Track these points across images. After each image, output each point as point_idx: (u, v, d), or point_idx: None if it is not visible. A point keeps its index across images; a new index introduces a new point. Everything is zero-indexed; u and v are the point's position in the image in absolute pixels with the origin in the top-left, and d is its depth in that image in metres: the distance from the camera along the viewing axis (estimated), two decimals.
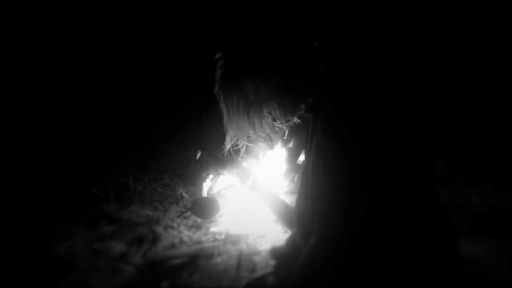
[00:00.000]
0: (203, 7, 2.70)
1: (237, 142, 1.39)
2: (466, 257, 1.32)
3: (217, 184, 2.12)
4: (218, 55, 1.28)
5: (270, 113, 1.30)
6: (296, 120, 1.34)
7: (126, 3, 2.84)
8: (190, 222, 1.77)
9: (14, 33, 2.76)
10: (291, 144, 2.25)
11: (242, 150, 1.45)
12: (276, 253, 1.42)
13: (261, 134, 1.35)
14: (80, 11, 2.83)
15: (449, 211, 1.37)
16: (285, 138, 1.46)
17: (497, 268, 1.36)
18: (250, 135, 1.36)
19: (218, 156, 2.08)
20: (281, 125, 1.34)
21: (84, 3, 2.81)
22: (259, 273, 1.32)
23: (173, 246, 1.54)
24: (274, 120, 1.33)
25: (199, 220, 1.79)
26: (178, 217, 1.81)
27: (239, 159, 2.16)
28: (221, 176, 2.13)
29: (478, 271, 1.33)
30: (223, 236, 1.62)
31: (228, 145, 1.41)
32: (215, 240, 1.60)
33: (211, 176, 2.10)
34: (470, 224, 1.68)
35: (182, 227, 1.72)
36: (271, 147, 2.11)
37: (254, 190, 1.86)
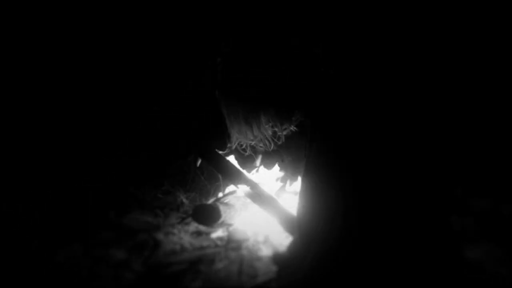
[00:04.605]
0: (206, 10, 2.71)
1: (241, 144, 1.40)
2: (468, 261, 1.32)
3: (218, 191, 2.13)
4: (218, 59, 1.29)
5: (268, 119, 1.31)
6: (293, 127, 1.35)
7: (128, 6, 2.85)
8: (191, 228, 1.77)
9: (14, 33, 2.77)
10: (291, 149, 2.25)
11: (246, 153, 1.47)
12: (278, 259, 1.42)
13: (260, 138, 1.36)
14: (78, 12, 2.83)
15: (450, 215, 1.36)
16: (282, 143, 1.47)
17: (498, 272, 1.35)
18: (251, 139, 1.37)
19: (218, 161, 2.08)
20: (279, 132, 1.36)
21: (82, 3, 2.81)
22: (261, 279, 1.31)
23: (174, 252, 1.54)
24: (272, 126, 1.34)
25: (200, 226, 1.78)
26: (179, 223, 1.81)
27: (240, 165, 2.17)
28: (222, 182, 2.14)
29: (480, 275, 1.32)
30: (224, 242, 1.61)
31: (233, 146, 1.42)
32: (216, 246, 1.59)
33: (211, 182, 2.11)
34: (472, 228, 1.68)
35: (183, 233, 1.71)
36: (270, 152, 2.11)
37: (255, 196, 1.85)
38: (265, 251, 1.52)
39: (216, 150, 2.14)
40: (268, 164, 2.25)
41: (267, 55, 1.24)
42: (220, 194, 2.09)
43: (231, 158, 2.08)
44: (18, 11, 2.76)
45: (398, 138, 1.14)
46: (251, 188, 1.89)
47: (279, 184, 2.16)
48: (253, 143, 1.40)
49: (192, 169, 2.43)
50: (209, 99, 1.38)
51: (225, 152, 1.94)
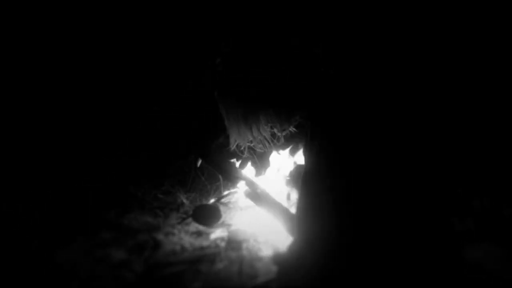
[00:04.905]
0: (206, 10, 2.71)
1: (240, 145, 1.40)
2: (468, 262, 1.32)
3: (218, 191, 2.12)
4: (218, 60, 1.29)
5: (267, 121, 1.31)
6: (292, 129, 1.35)
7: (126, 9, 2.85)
8: (191, 228, 1.77)
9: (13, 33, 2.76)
10: (292, 150, 2.25)
11: (244, 155, 1.47)
12: (278, 259, 1.41)
13: (260, 139, 1.36)
14: (78, 12, 2.83)
15: (451, 216, 1.36)
16: (281, 144, 1.48)
17: (499, 272, 1.35)
18: (250, 140, 1.37)
19: (218, 162, 2.08)
20: (278, 133, 1.36)
21: (82, 3, 2.81)
22: (261, 279, 1.31)
23: (174, 252, 1.53)
24: (271, 127, 1.34)
25: (200, 226, 1.78)
26: (179, 223, 1.80)
27: (240, 165, 2.17)
28: (222, 182, 2.14)
29: (480, 275, 1.32)
30: (224, 242, 1.61)
31: (232, 147, 1.42)
32: (217, 246, 1.59)
33: (211, 182, 2.11)
34: (472, 228, 1.68)
35: (183, 233, 1.71)
36: (270, 153, 2.12)
37: (255, 197, 1.85)
38: (265, 252, 1.52)
39: (216, 150, 2.14)
40: (268, 164, 2.25)
41: (267, 55, 1.24)
42: (220, 195, 2.09)
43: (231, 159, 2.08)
44: (18, 11, 2.76)
45: (399, 139, 1.13)
46: (251, 188, 1.89)
47: (280, 184, 2.15)
48: (252, 144, 1.40)
49: (192, 169, 2.43)
50: (209, 99, 1.38)
51: (225, 152, 1.93)
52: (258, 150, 1.44)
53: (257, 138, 1.35)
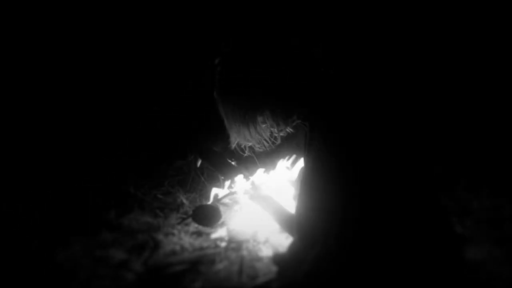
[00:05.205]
0: (206, 10, 2.71)
1: (241, 144, 1.40)
2: (468, 262, 1.32)
3: (219, 192, 2.12)
4: (217, 61, 1.29)
5: (264, 121, 1.32)
6: (289, 129, 1.35)
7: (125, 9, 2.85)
8: (191, 229, 1.77)
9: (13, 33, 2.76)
10: (292, 151, 2.25)
11: (244, 154, 1.47)
12: (278, 259, 1.41)
13: (258, 138, 1.36)
14: (79, 13, 2.83)
15: (451, 217, 1.36)
16: (280, 144, 1.48)
17: (499, 272, 1.35)
18: (249, 139, 1.37)
19: (218, 162, 2.08)
20: (275, 133, 1.36)
21: (82, 4, 2.81)
22: (261, 279, 1.31)
23: (174, 253, 1.53)
24: (270, 127, 1.35)
25: (200, 227, 1.78)
26: (179, 224, 1.80)
27: (240, 166, 2.17)
28: (222, 183, 2.14)
29: (480, 276, 1.32)
30: (224, 243, 1.61)
31: (232, 147, 1.42)
32: (217, 246, 1.59)
33: (211, 182, 2.11)
34: (472, 228, 1.68)
35: (182, 234, 1.71)
36: (269, 153, 2.11)
37: (255, 197, 1.85)
38: (265, 252, 1.52)
39: (216, 150, 2.14)
40: (268, 164, 2.24)
41: (267, 55, 1.24)
42: (220, 195, 2.09)
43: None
44: (19, 11, 2.76)
45: (398, 138, 1.13)
46: (250, 188, 1.89)
47: (280, 184, 2.15)
48: (250, 144, 1.40)
49: (192, 170, 2.43)
50: (209, 99, 1.38)
51: (225, 152, 1.94)
52: (256, 149, 1.44)
53: (255, 138, 1.35)
